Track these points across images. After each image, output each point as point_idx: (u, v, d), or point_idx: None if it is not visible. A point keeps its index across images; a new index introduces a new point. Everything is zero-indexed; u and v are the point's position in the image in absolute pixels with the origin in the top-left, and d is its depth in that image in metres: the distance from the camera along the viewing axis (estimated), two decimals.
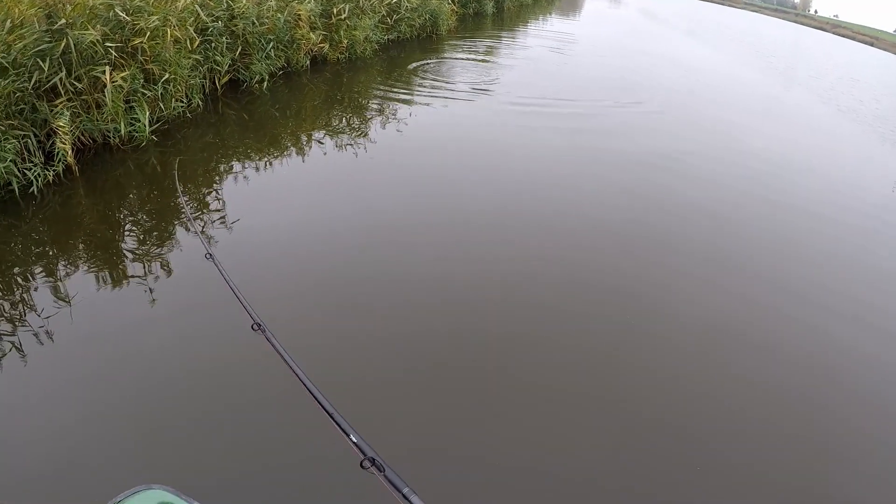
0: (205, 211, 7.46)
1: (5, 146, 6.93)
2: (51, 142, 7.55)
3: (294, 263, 6.61)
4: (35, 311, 5.51)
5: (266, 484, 4.08)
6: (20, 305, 5.64)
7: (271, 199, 7.95)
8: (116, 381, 4.88)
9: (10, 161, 6.94)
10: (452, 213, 8.08)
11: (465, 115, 12.11)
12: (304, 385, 2.63)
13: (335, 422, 2.40)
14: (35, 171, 7.13)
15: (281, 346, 3.02)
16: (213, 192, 7.97)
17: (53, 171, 7.37)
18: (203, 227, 7.03)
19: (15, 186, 6.95)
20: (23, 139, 7.22)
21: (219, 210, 7.48)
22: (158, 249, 6.60)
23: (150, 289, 6.00)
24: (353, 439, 2.27)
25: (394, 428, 4.62)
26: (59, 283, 5.95)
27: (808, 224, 9.64)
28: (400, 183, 8.87)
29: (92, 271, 6.16)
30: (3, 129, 7.01)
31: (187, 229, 6.92)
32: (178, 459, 4.23)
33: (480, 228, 7.78)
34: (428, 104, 12.29)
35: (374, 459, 2.16)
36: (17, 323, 5.35)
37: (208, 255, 4.42)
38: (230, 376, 5.02)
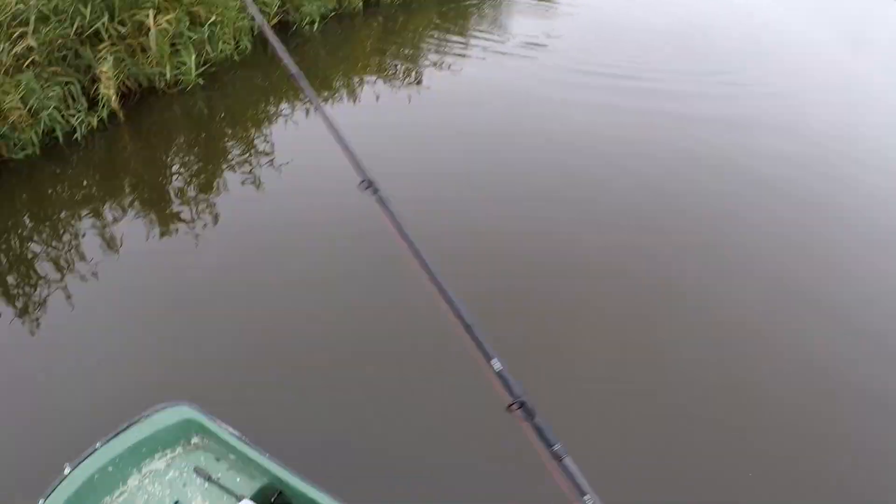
0: (253, 153, 7.23)
1: (48, 93, 6.79)
2: (95, 87, 7.37)
3: (342, 207, 6.34)
4: (82, 256, 5.53)
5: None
6: (68, 249, 5.65)
7: (320, 141, 7.64)
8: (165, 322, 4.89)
9: (54, 108, 6.81)
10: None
11: (521, 71, 11.20)
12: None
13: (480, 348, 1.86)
14: (79, 117, 6.99)
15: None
16: (262, 135, 7.72)
17: (98, 117, 7.22)
18: (251, 170, 6.81)
19: (59, 133, 6.84)
20: (66, 86, 7.06)
21: (267, 153, 7.24)
22: (206, 194, 6.42)
23: (196, 234, 5.85)
24: (497, 367, 1.81)
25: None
26: (106, 227, 5.92)
27: None
28: (449, 132, 8.45)
29: (139, 215, 6.07)
30: (46, 76, 6.87)
31: (235, 171, 6.72)
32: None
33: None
34: (482, 58, 11.25)
35: (523, 402, 1.74)
36: (66, 265, 5.42)
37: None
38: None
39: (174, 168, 7.00)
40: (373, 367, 4.57)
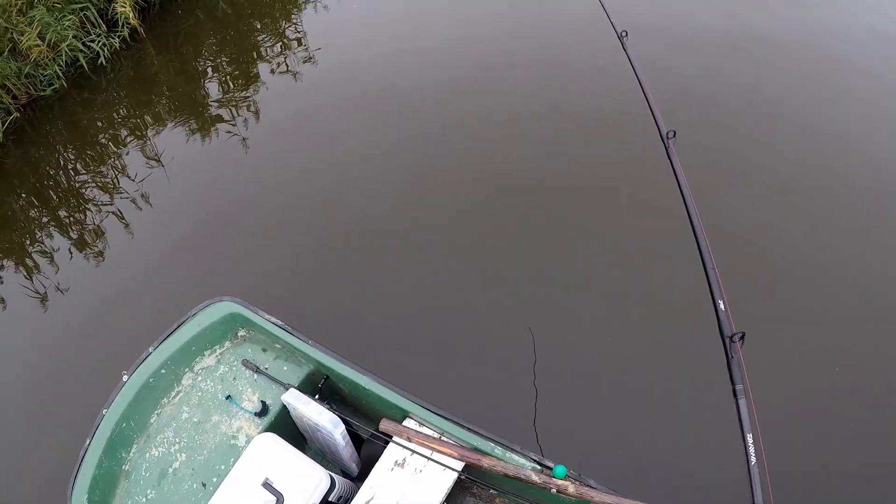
0: (287, 46, 6.71)
1: (64, 24, 6.41)
2: (112, 7, 6.92)
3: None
4: (126, 174, 5.43)
5: None
6: (113, 170, 5.57)
7: (354, 26, 7.02)
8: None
9: (73, 37, 6.43)
10: None
11: None
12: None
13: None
14: (99, 41, 6.60)
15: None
16: (293, 25, 7.12)
17: (119, 36, 6.80)
18: (285, 59, 6.34)
19: (83, 61, 6.51)
20: (81, 12, 6.64)
21: (301, 42, 6.71)
22: (244, 93, 6.02)
23: (243, 138, 5.49)
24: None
25: None
26: (146, 143, 5.73)
27: None
28: None
29: (178, 125, 5.79)
30: (60, 4, 6.46)
31: (272, 72, 6.28)
32: None
33: None
34: None
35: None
36: (113, 186, 5.34)
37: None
38: None
39: (207, 72, 6.58)
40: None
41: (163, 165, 5.44)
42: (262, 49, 6.67)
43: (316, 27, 7.00)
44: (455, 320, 4.05)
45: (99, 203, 5.21)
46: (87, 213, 5.18)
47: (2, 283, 4.82)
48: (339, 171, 5.01)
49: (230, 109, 5.84)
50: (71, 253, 4.88)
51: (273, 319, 3.09)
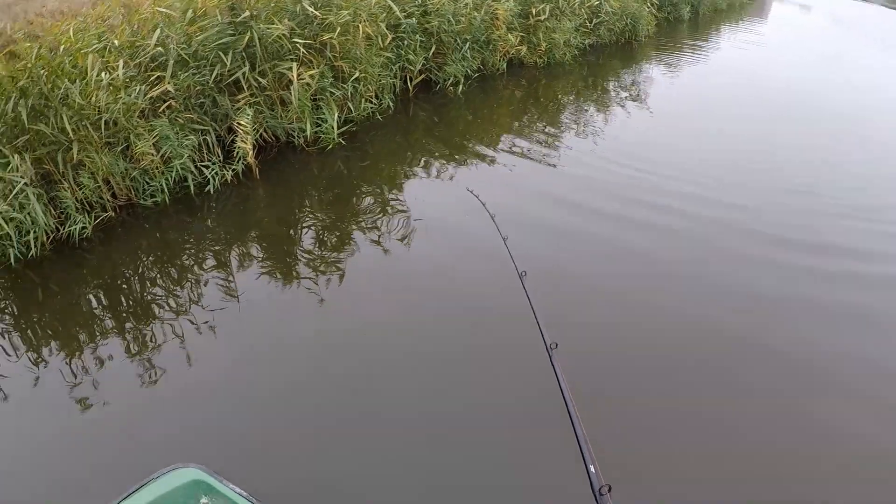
0: (388, 216, 6.67)
1: (183, 142, 6.53)
2: (231, 139, 7.08)
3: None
4: (200, 305, 5.23)
5: None
6: (188, 297, 5.39)
7: (459, 208, 6.98)
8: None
9: (188, 157, 6.52)
10: None
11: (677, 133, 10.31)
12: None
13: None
14: (213, 169, 6.69)
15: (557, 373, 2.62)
16: (398, 200, 7.12)
17: (232, 170, 6.90)
18: (380, 236, 6.26)
19: (190, 184, 6.55)
20: (201, 135, 6.78)
21: (404, 212, 6.67)
22: (335, 254, 5.93)
23: (321, 299, 5.32)
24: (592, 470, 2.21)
25: None
26: (229, 280, 5.59)
27: None
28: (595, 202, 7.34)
29: (263, 272, 5.61)
30: (182, 122, 6.61)
31: (370, 239, 6.21)
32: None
33: None
34: (635, 126, 10.20)
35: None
36: (184, 310, 5.19)
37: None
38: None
39: (305, 230, 6.53)
40: None
41: (238, 301, 5.26)
42: (361, 221, 6.62)
43: (418, 205, 6.96)
44: None
45: (163, 319, 5.06)
46: (152, 326, 5.03)
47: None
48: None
49: (316, 272, 5.69)
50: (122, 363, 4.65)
51: (238, 490, 3.04)
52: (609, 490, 2.14)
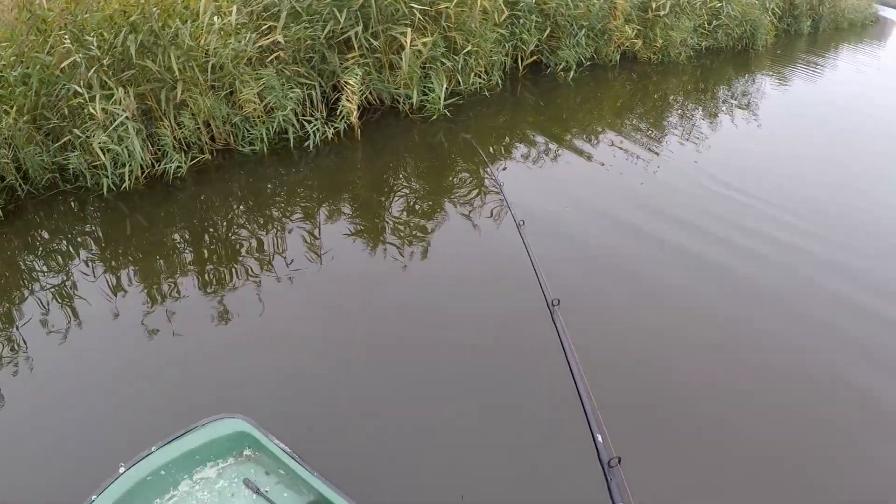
0: (483, 196, 6.41)
1: (288, 93, 6.44)
2: (336, 97, 6.97)
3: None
4: (283, 256, 5.15)
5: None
6: (271, 247, 5.32)
7: (554, 191, 6.71)
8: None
9: (291, 110, 6.45)
10: None
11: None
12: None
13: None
14: (315, 125, 6.58)
15: (564, 331, 2.71)
16: (492, 181, 6.81)
17: (334, 128, 6.79)
18: (470, 212, 6.03)
19: (290, 137, 6.46)
20: (307, 89, 6.69)
21: (496, 193, 6.40)
22: (424, 222, 5.74)
23: (404, 265, 5.14)
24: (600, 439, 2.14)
25: None
26: (315, 236, 5.46)
27: None
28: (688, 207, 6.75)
29: (350, 234, 5.46)
30: (289, 74, 6.53)
31: (459, 213, 5.99)
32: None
33: None
34: (743, 136, 9.35)
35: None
36: (267, 260, 5.13)
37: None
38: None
39: (398, 197, 6.34)
40: None
41: (321, 258, 5.14)
42: (453, 194, 6.40)
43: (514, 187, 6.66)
44: None
45: (244, 265, 5.01)
46: (232, 270, 4.98)
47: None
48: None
49: (402, 241, 5.51)
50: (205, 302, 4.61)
51: (282, 446, 3.04)
52: (619, 462, 2.05)
